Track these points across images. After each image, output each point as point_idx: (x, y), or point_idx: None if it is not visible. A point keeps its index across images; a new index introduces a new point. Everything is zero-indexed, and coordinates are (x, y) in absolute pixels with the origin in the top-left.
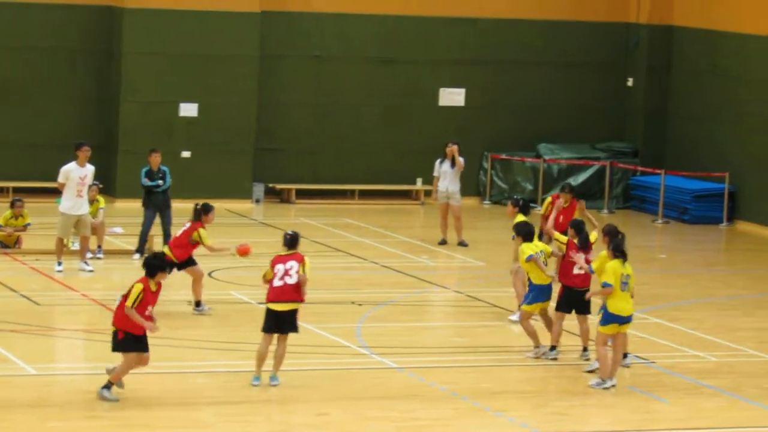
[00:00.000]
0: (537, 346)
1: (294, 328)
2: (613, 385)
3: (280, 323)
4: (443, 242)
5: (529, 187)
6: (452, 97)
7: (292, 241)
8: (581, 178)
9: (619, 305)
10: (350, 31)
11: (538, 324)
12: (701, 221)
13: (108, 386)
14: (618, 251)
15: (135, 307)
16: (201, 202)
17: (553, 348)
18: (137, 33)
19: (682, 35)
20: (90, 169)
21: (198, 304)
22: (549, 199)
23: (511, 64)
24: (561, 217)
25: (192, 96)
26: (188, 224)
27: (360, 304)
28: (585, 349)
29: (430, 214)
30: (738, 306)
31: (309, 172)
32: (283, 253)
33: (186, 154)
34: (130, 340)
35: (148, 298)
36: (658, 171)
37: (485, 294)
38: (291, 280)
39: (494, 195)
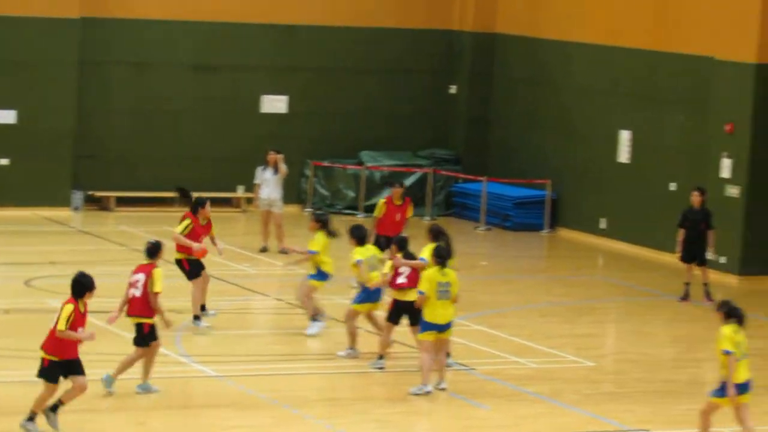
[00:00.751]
0: (351, 347)
1: (139, 341)
2: (428, 392)
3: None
4: (264, 249)
5: (351, 194)
6: (274, 104)
7: (149, 251)
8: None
9: (435, 313)
10: (171, 38)
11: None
12: (523, 228)
13: (32, 418)
14: (439, 257)
15: (67, 328)
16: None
17: (380, 357)
18: None
19: (505, 43)
20: None
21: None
22: (382, 201)
23: (334, 71)
24: (398, 216)
25: (8, 102)
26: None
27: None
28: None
29: (251, 222)
30: (558, 313)
31: (129, 179)
32: (144, 263)
33: (3, 161)
34: (57, 368)
35: (78, 319)
36: (480, 178)
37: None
38: (137, 293)
39: (316, 202)
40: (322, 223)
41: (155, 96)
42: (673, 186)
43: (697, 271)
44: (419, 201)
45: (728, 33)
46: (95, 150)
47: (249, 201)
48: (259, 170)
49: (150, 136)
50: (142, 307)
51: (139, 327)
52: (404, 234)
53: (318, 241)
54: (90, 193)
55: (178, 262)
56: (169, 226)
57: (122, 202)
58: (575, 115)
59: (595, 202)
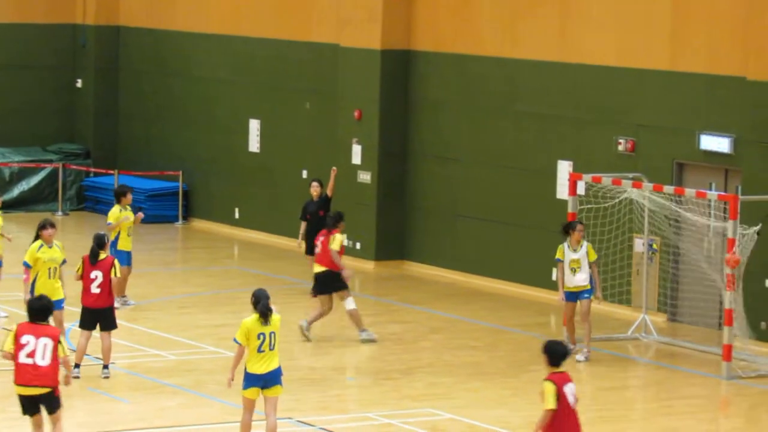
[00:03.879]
0: None
1: None
2: None
3: None
4: None
5: None
6: None
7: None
8: (33, 180)
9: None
10: None
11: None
12: (157, 220)
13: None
14: None
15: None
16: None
17: (77, 366)
18: None
19: (129, 35)
20: None
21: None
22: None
23: None
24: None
25: None
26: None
27: None
28: (106, 367)
29: None
30: (196, 303)
31: None
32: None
33: None
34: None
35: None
36: (111, 171)
37: None
38: None
39: None
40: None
41: None
42: (305, 174)
43: None
44: (50, 196)
45: (355, 20)
46: None
47: None
48: None
49: None
50: None
51: None
52: None
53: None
54: None
55: None
56: None
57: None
58: (199, 106)
59: (228, 193)
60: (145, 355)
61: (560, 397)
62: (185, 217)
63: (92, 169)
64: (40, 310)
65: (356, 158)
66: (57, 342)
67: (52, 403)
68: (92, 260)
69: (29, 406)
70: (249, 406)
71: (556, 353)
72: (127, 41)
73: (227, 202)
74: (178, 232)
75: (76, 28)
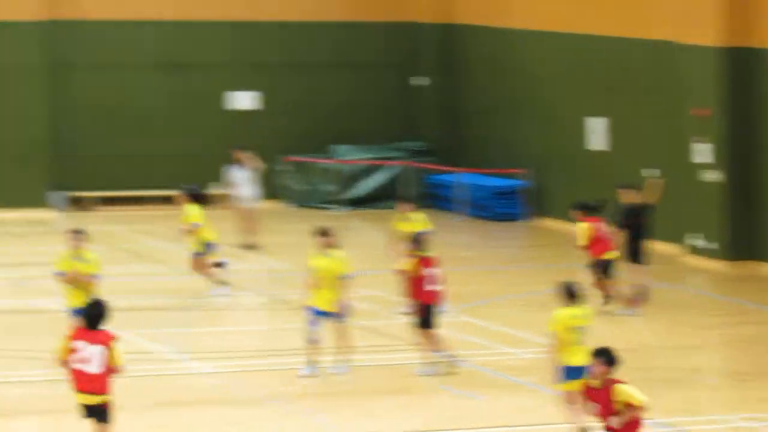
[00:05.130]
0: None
1: None
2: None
3: None
4: (244, 246)
5: (328, 188)
6: (242, 100)
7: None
8: (379, 178)
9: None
10: (135, 38)
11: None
12: (502, 218)
13: None
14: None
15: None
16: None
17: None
18: None
19: (467, 33)
20: None
21: None
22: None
23: (300, 66)
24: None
25: None
26: None
27: None
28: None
29: (227, 219)
30: (543, 301)
31: (104, 178)
32: None
33: None
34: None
35: None
36: (457, 169)
37: (289, 296)
38: None
39: (292, 198)
40: (194, 196)
41: (123, 96)
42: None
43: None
44: (394, 194)
45: (694, 17)
46: (72, 151)
47: (222, 198)
48: (229, 168)
49: (121, 136)
50: None
51: None
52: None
53: (194, 213)
54: (71, 193)
55: None
56: (148, 224)
57: (101, 201)
58: (550, 104)
59: (568, 190)
60: (497, 353)
61: None
62: (530, 215)
63: (437, 167)
64: (96, 316)
65: (699, 157)
66: (110, 349)
67: (101, 415)
68: None
69: (86, 412)
70: (576, 400)
71: None
72: (465, 40)
73: (567, 200)
74: (522, 229)
75: (415, 26)
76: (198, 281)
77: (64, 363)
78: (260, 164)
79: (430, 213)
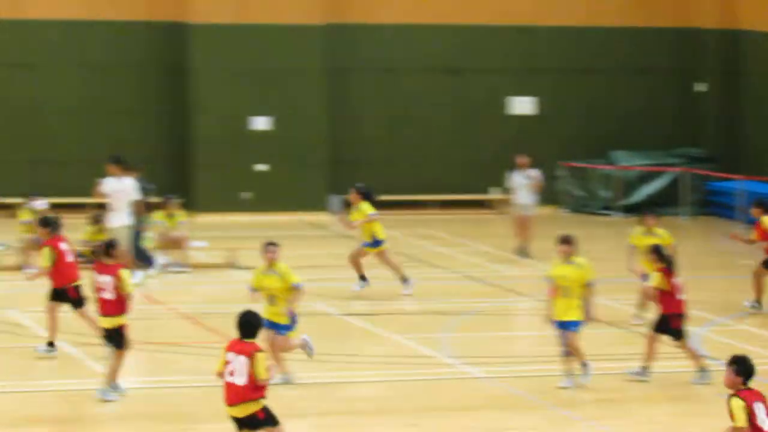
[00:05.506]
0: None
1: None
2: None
3: None
4: (520, 252)
5: (605, 194)
6: (521, 105)
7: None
8: (658, 184)
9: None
10: (416, 42)
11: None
12: None
13: None
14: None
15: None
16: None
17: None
18: (205, 48)
19: (750, 39)
20: (127, 183)
21: None
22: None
23: (578, 71)
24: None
25: (263, 110)
26: None
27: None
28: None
29: (505, 224)
30: None
31: (383, 183)
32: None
33: (262, 167)
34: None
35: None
36: (737, 176)
37: None
38: (108, 296)
39: (569, 203)
40: (365, 195)
41: (403, 101)
42: None
43: None
44: (672, 201)
45: None
46: (350, 155)
47: (501, 203)
48: (510, 174)
49: (400, 141)
50: (114, 308)
51: (114, 329)
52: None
53: (363, 210)
54: (346, 197)
55: None
56: (427, 229)
57: (382, 205)
58: None
59: None
60: None
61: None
62: None
63: (715, 174)
64: (242, 325)
65: None
66: (253, 360)
67: (255, 426)
68: None
69: (237, 425)
70: None
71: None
72: (748, 46)
73: None
74: None
75: (695, 31)
76: (471, 287)
77: (220, 375)
78: (536, 176)
79: (709, 221)
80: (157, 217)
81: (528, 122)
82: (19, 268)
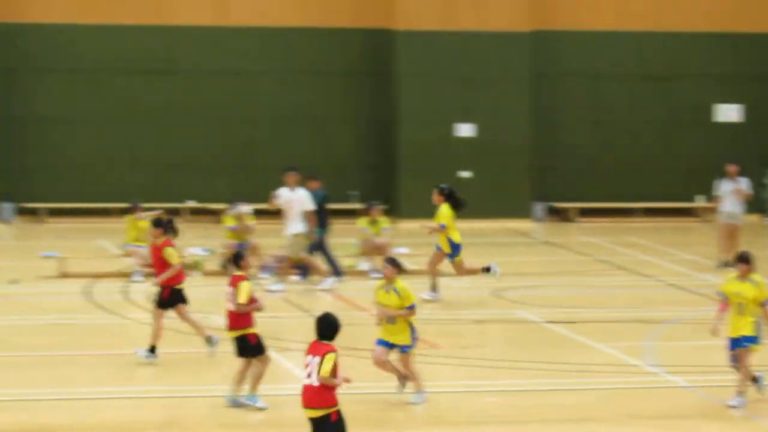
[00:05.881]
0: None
1: (252, 352)
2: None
3: None
4: (725, 263)
5: None
6: (728, 113)
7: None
8: None
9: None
10: (621, 49)
11: None
12: None
13: None
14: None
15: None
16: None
17: None
18: (411, 55)
19: None
20: (300, 193)
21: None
22: None
23: None
24: None
25: (467, 116)
26: None
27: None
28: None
29: (710, 233)
30: None
31: (590, 190)
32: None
33: (465, 174)
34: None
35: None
36: None
37: None
38: (231, 306)
39: None
40: (447, 196)
41: (607, 107)
42: None
43: None
44: None
45: None
46: (553, 162)
47: (707, 212)
48: (718, 182)
49: (604, 148)
50: (238, 320)
51: (242, 339)
52: None
53: (443, 213)
54: (552, 204)
55: None
56: (633, 237)
57: (585, 213)
58: None
59: None
60: None
61: None
62: None
63: None
64: (320, 327)
65: None
66: (322, 360)
67: (325, 429)
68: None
69: (313, 427)
70: None
71: None
72: None
73: None
74: None
75: None
76: (675, 295)
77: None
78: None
79: None
80: (361, 223)
81: (734, 130)
82: (223, 273)
